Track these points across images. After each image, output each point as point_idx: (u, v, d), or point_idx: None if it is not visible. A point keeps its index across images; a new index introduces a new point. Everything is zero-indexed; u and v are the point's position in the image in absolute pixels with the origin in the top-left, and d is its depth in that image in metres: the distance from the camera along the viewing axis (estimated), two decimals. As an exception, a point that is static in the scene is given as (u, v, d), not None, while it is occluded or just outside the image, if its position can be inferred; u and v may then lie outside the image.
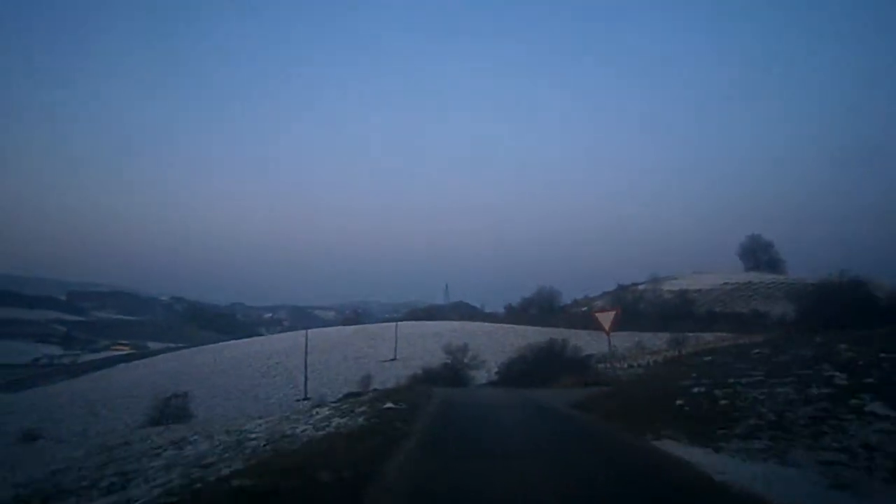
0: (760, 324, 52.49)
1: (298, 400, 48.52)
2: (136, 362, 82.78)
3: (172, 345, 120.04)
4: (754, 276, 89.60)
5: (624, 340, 61.01)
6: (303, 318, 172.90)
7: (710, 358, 17.64)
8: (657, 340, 53.57)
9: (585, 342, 42.03)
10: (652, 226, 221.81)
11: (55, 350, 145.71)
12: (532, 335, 61.41)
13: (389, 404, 13.84)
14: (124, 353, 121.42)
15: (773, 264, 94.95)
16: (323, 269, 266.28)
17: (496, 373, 54.12)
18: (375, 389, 51.55)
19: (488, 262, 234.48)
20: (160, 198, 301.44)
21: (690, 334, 48.68)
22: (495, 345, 64.92)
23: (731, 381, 10.45)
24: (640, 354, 44.18)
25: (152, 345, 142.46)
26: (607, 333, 20.43)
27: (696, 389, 10.50)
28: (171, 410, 33.35)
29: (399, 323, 75.87)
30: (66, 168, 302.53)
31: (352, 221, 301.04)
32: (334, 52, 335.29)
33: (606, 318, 20.81)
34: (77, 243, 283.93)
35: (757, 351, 15.51)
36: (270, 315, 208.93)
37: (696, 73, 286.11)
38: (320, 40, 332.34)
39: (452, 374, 46.43)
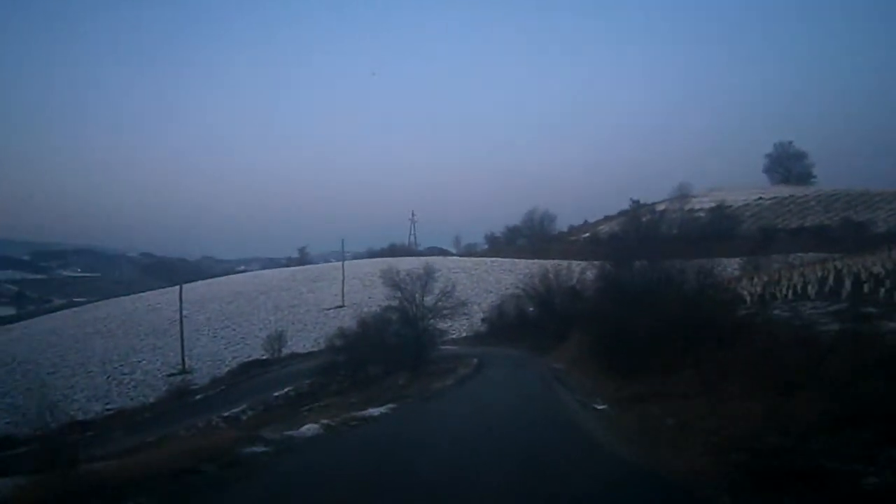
0: (859, 237, 36.17)
1: (172, 374, 32.72)
2: (22, 322, 66.66)
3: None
4: (796, 190, 74.27)
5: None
6: (276, 268, 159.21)
7: None
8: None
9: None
10: (658, 144, 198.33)
11: (9, 310, 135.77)
12: (525, 269, 45.75)
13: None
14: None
15: (804, 177, 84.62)
16: (297, 221, 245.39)
17: (483, 320, 39.82)
18: (295, 353, 35.64)
19: (466, 200, 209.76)
20: (131, 154, 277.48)
21: (776, 256, 32.14)
22: (477, 284, 49.48)
23: None
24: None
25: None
26: None
27: None
28: None
29: (352, 262, 59.45)
30: (33, 128, 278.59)
31: (324, 171, 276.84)
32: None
33: None
34: (44, 203, 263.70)
35: None
36: (243, 268, 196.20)
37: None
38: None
39: (408, 327, 29.32)
